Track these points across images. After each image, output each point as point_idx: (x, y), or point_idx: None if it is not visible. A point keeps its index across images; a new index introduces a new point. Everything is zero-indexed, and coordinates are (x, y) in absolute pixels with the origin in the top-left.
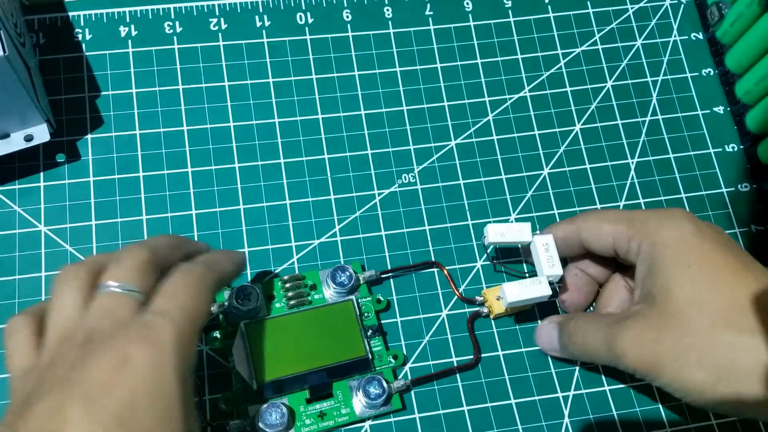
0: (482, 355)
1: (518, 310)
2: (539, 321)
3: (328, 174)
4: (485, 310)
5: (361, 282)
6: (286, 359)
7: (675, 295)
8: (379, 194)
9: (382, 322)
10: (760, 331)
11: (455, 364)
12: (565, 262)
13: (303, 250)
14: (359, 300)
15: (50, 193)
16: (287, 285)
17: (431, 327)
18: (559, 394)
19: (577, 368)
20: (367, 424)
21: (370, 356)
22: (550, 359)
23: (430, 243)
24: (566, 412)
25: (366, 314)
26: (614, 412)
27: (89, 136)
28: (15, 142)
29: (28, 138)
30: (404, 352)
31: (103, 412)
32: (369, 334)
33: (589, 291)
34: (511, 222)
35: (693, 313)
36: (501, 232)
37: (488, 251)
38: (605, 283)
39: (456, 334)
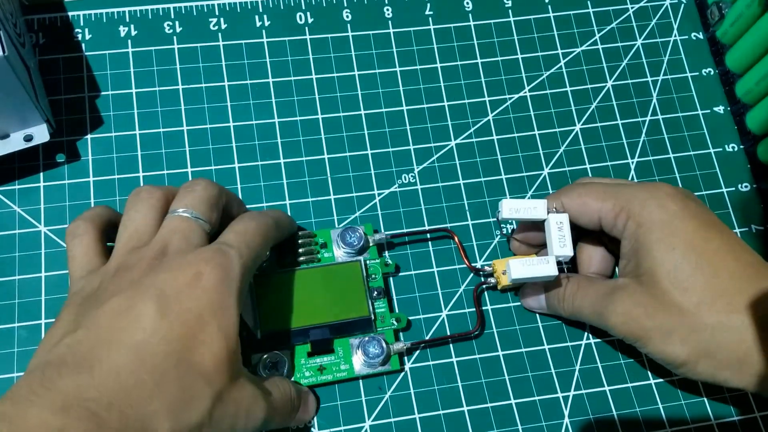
0: (482, 356)
1: (515, 287)
2: (539, 323)
3: (328, 174)
4: (492, 280)
5: (371, 244)
6: (291, 312)
7: (661, 278)
8: (379, 194)
9: (400, 298)
10: (742, 312)
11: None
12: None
13: None
14: (367, 261)
15: (50, 193)
16: (299, 241)
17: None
18: (559, 394)
19: (577, 368)
20: (367, 424)
21: (373, 317)
22: (550, 359)
23: (430, 243)
24: (566, 413)
25: (373, 276)
26: (614, 413)
27: (89, 136)
28: (15, 143)
29: (28, 138)
30: (422, 325)
31: (174, 316)
32: (374, 295)
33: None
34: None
35: (678, 296)
36: (516, 209)
37: (502, 227)
38: (584, 241)
39: (468, 309)
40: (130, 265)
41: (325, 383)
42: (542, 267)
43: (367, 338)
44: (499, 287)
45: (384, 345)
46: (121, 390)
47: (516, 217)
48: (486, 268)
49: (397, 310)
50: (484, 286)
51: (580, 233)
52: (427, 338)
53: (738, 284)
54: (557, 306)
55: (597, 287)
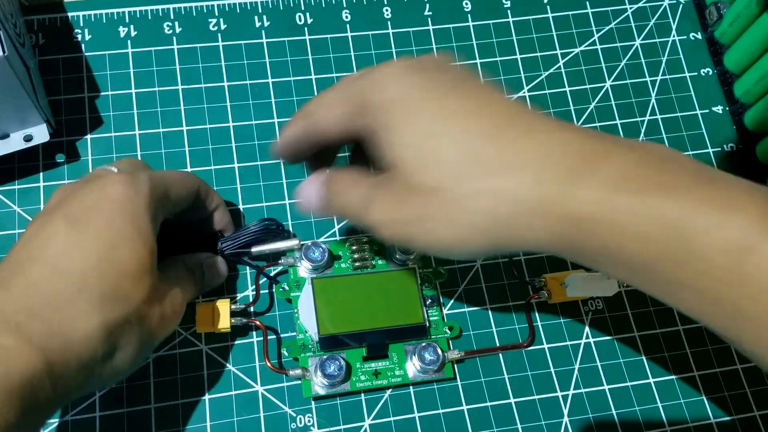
0: (481, 356)
1: (579, 298)
2: (539, 323)
3: None
4: (544, 295)
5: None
6: (348, 316)
7: (406, 161)
8: None
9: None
10: (496, 174)
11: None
12: None
13: None
14: (421, 270)
15: (50, 193)
16: (354, 247)
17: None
18: (559, 393)
19: (577, 367)
20: (366, 424)
21: (427, 324)
22: (549, 358)
23: None
24: (565, 411)
25: (426, 284)
26: (613, 411)
27: (89, 137)
28: (14, 143)
29: (28, 138)
30: (460, 326)
31: (85, 228)
32: (428, 302)
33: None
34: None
35: (427, 176)
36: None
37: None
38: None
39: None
40: (52, 201)
41: (379, 387)
42: (602, 284)
43: (423, 344)
44: (550, 300)
45: (439, 352)
46: (40, 299)
47: (583, 295)
48: (536, 281)
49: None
50: (537, 299)
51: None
52: (491, 347)
53: (488, 144)
54: (328, 204)
55: (365, 183)
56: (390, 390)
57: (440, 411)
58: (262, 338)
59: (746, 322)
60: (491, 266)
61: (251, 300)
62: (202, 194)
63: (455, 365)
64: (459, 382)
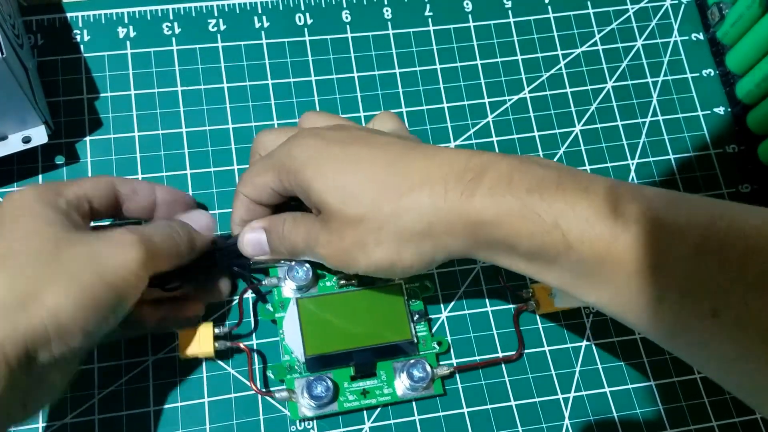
0: (481, 357)
1: (566, 308)
2: (539, 324)
3: None
4: (532, 305)
5: None
6: (334, 336)
7: (331, 203)
8: None
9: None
10: (407, 192)
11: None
12: None
13: None
14: (407, 286)
15: None
16: None
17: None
18: (560, 396)
19: (578, 369)
20: (367, 426)
21: (415, 340)
22: (550, 360)
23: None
24: (566, 414)
25: (413, 300)
26: (615, 414)
27: (88, 138)
28: (13, 144)
29: (26, 140)
30: (449, 340)
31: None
32: (415, 318)
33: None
34: None
35: (353, 209)
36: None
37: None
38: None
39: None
40: None
41: (368, 407)
42: None
43: (411, 361)
44: (538, 312)
45: (428, 368)
46: None
47: (570, 305)
48: (525, 292)
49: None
50: (526, 310)
51: (280, 207)
52: (477, 362)
53: (393, 172)
54: (278, 245)
55: (308, 221)
56: None
57: (441, 414)
58: (250, 351)
59: (607, 289)
60: (486, 269)
61: (237, 323)
62: (126, 192)
63: (444, 381)
64: (459, 385)
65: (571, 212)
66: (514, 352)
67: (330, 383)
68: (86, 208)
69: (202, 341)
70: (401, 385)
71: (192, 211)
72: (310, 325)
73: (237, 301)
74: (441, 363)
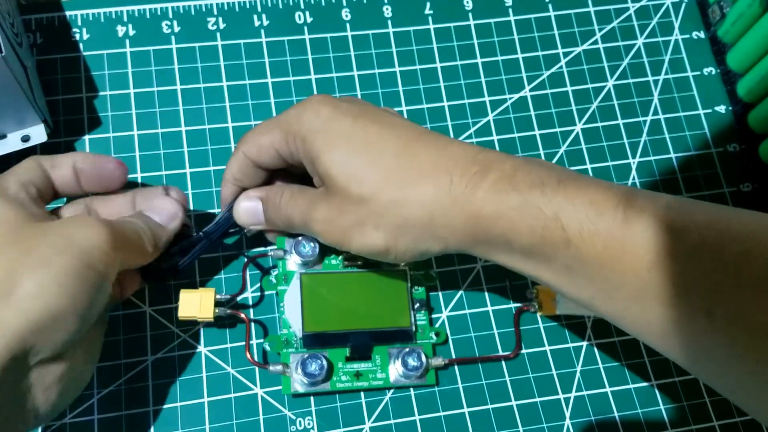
0: (495, 330)
1: (568, 314)
2: (540, 324)
3: None
4: (534, 306)
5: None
6: (334, 315)
7: (337, 178)
8: None
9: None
10: (412, 183)
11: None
12: None
13: None
14: (412, 273)
15: None
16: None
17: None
18: (560, 396)
19: (579, 369)
20: (367, 426)
21: (414, 328)
22: (551, 360)
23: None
24: (567, 414)
25: (416, 288)
26: (616, 414)
27: (87, 137)
28: (12, 143)
29: (25, 139)
30: (447, 331)
31: None
32: (416, 306)
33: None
34: None
35: (356, 188)
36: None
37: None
38: (280, 180)
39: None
40: None
41: (359, 389)
42: None
43: (407, 349)
44: (539, 313)
45: (423, 358)
46: None
47: (572, 313)
48: (529, 293)
49: (447, 330)
50: (527, 310)
51: (275, 174)
52: (475, 357)
53: (402, 159)
54: (274, 216)
55: (306, 195)
56: (391, 392)
57: (441, 414)
58: (249, 320)
59: (600, 289)
60: (489, 269)
61: (239, 291)
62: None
63: (438, 372)
64: (460, 384)
65: (571, 207)
66: (511, 352)
67: (324, 362)
68: (34, 193)
69: (203, 305)
70: (395, 371)
71: (154, 199)
72: (311, 301)
73: (240, 272)
74: (437, 354)
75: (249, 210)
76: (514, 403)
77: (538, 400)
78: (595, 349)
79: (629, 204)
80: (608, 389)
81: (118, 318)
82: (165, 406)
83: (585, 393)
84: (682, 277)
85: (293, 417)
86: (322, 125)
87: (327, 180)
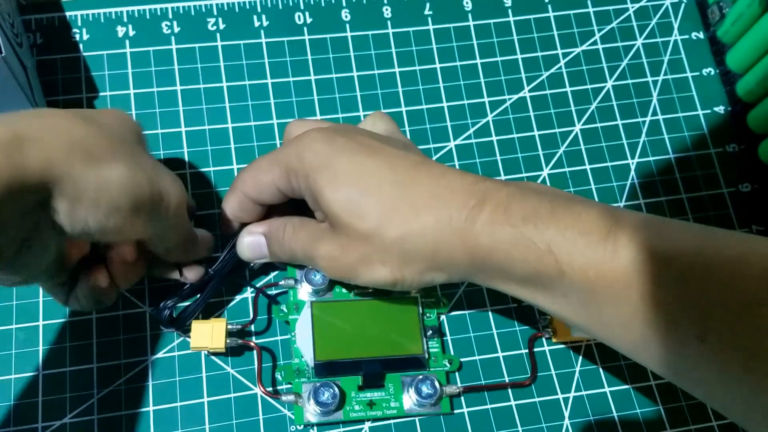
0: (481, 357)
1: (582, 340)
2: (540, 325)
3: None
4: (548, 333)
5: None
6: (346, 343)
7: (340, 215)
8: None
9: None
10: (414, 217)
11: (506, 380)
12: None
13: None
14: (423, 299)
15: None
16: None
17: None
18: (560, 396)
19: (578, 369)
20: (366, 425)
21: (427, 356)
22: (550, 361)
23: None
24: (566, 414)
25: (428, 315)
26: (615, 414)
27: None
28: None
29: None
30: (459, 359)
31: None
32: (429, 334)
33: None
34: None
35: (359, 225)
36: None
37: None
38: (278, 214)
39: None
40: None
41: (374, 419)
42: None
43: (420, 377)
44: (554, 339)
45: (437, 386)
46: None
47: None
48: (542, 319)
49: (451, 351)
50: (541, 337)
51: (272, 209)
52: (484, 384)
53: (401, 191)
54: (278, 251)
55: (308, 230)
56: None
57: (440, 413)
58: (260, 348)
59: (602, 320)
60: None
61: (250, 320)
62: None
63: (453, 399)
64: (459, 384)
65: (562, 238)
66: (527, 377)
67: (337, 390)
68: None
69: (215, 336)
70: (409, 399)
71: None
72: (323, 330)
73: (252, 300)
74: (450, 382)
75: (252, 245)
76: (513, 403)
77: (537, 400)
78: (594, 349)
79: (619, 233)
80: (607, 389)
81: (118, 318)
82: (165, 406)
83: (584, 393)
84: (672, 303)
85: (293, 417)
86: (321, 162)
87: (331, 217)
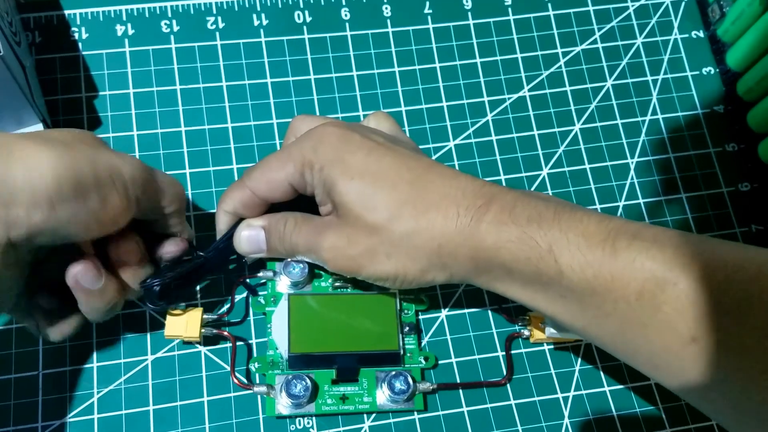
0: (481, 356)
1: (559, 341)
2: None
3: None
4: (526, 332)
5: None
6: (321, 337)
7: (350, 207)
8: None
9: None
10: (424, 214)
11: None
12: None
13: None
14: (402, 295)
15: None
16: None
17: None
18: (559, 395)
19: (577, 369)
20: (366, 426)
21: (402, 352)
22: (550, 360)
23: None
24: (566, 413)
25: (406, 311)
26: (614, 413)
27: None
28: None
29: None
30: (436, 357)
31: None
32: (405, 330)
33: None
34: None
35: (369, 217)
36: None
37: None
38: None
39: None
40: None
41: (345, 413)
42: None
43: (393, 373)
44: (531, 339)
45: (411, 382)
46: None
47: (561, 336)
48: (520, 318)
49: (425, 348)
50: (519, 337)
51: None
52: (458, 382)
53: (415, 190)
54: (278, 245)
55: (311, 224)
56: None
57: (440, 413)
58: (235, 339)
59: (598, 318)
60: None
61: (227, 311)
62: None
63: (426, 396)
64: (434, 382)
65: (564, 239)
66: (502, 378)
67: (309, 383)
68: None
69: (190, 325)
70: (382, 395)
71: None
72: (299, 322)
73: (228, 290)
74: (425, 379)
75: (251, 239)
76: (513, 402)
77: (536, 399)
78: (594, 349)
79: (618, 236)
80: (606, 388)
81: (118, 318)
82: (164, 406)
83: (584, 392)
84: (668, 306)
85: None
86: (337, 156)
87: (342, 208)
